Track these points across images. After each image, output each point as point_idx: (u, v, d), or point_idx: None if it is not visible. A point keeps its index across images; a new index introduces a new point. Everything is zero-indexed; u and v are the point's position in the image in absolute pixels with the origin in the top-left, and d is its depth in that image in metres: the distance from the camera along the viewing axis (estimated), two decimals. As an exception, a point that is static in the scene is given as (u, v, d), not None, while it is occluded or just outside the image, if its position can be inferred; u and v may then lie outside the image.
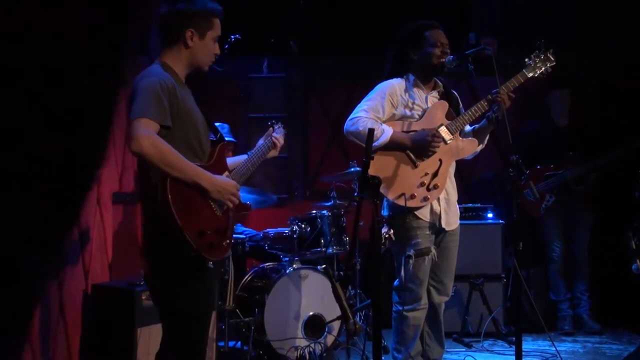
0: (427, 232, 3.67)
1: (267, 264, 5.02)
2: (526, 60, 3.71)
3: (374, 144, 3.49)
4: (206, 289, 2.81)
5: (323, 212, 4.95)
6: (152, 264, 2.75)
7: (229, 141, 5.40)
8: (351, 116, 3.67)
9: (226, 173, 2.95)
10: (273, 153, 3.43)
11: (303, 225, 4.91)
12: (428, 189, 3.60)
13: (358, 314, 4.97)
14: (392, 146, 3.60)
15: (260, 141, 3.44)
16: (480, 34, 5.94)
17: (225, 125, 5.39)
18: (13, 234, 3.23)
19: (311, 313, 4.66)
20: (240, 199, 2.86)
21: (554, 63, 3.71)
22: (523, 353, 3.42)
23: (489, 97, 3.56)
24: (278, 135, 3.48)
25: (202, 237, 2.62)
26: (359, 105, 3.70)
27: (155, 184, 2.60)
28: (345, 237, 4.98)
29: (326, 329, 4.66)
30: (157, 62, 2.82)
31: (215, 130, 3.05)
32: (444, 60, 3.64)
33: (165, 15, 2.81)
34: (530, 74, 3.68)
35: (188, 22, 2.77)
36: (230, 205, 2.77)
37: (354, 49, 6.18)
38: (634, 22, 5.54)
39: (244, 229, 5.54)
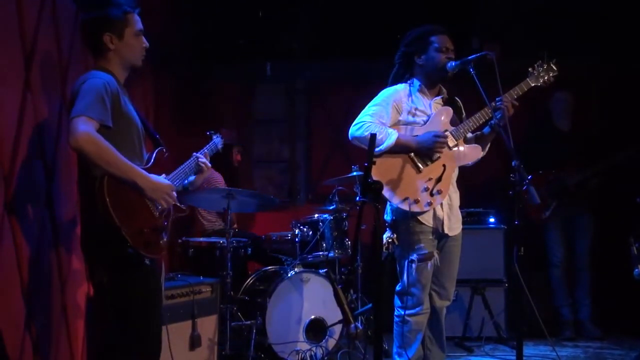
0: (430, 237, 3.67)
1: (269, 267, 5.04)
2: (529, 69, 3.74)
3: (380, 147, 3.51)
4: (145, 285, 2.86)
5: (325, 215, 4.96)
6: (91, 259, 2.84)
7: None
8: (356, 121, 3.68)
9: (163, 175, 2.97)
10: (203, 177, 3.27)
11: (305, 229, 4.93)
12: (431, 194, 3.61)
13: (359, 317, 4.98)
14: (398, 149, 3.61)
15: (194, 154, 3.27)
16: (483, 38, 5.95)
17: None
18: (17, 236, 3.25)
19: (313, 317, 4.67)
20: (175, 200, 2.91)
21: (557, 73, 3.74)
22: (524, 358, 3.43)
23: (493, 104, 3.57)
24: (209, 149, 3.39)
25: (139, 235, 2.69)
26: (364, 111, 3.71)
27: (93, 181, 2.64)
28: (347, 241, 4.99)
29: (327, 333, 4.67)
30: (94, 68, 2.87)
31: (153, 135, 3.10)
32: (447, 66, 3.65)
33: (82, 25, 2.92)
34: (534, 83, 3.72)
35: (102, 28, 2.84)
36: (164, 204, 2.83)
37: (357, 53, 6.20)
38: (636, 25, 5.55)
39: (247, 232, 5.56)
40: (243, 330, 4.63)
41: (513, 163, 3.35)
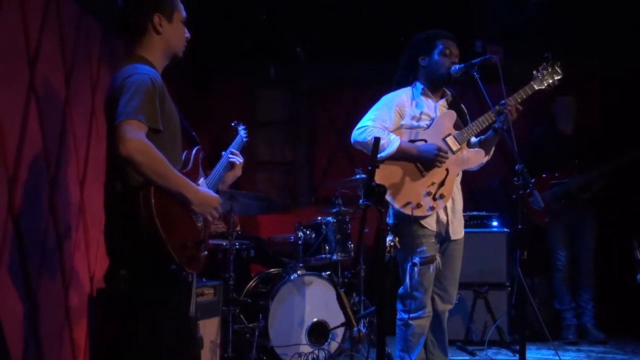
0: (433, 241, 3.67)
1: (272, 269, 5.03)
2: (534, 72, 3.73)
3: (381, 154, 3.50)
4: (182, 301, 2.67)
5: (328, 218, 4.96)
6: (122, 269, 2.52)
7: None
8: (358, 125, 3.68)
9: (202, 179, 2.82)
10: (234, 174, 3.11)
11: (308, 232, 4.93)
12: (434, 199, 3.61)
13: (362, 320, 4.97)
14: (399, 156, 3.60)
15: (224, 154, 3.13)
16: (486, 41, 5.95)
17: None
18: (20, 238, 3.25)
19: (315, 319, 4.66)
20: (220, 212, 2.71)
21: (562, 76, 3.73)
22: (526, 362, 3.42)
23: (497, 108, 3.56)
24: (237, 145, 3.24)
25: (183, 250, 2.48)
26: (366, 115, 3.71)
27: (133, 189, 2.42)
28: (350, 244, 4.98)
29: (330, 336, 4.66)
30: (135, 61, 2.61)
31: (189, 132, 2.91)
32: (450, 69, 3.65)
33: (127, 5, 2.69)
34: (538, 87, 3.71)
35: (153, 7, 2.64)
36: (210, 219, 2.65)
37: (360, 55, 6.20)
38: (638, 29, 5.55)
39: (250, 234, 5.56)
40: (245, 333, 4.62)
41: (516, 167, 3.35)
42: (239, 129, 3.41)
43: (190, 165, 2.75)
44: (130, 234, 2.45)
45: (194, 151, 2.80)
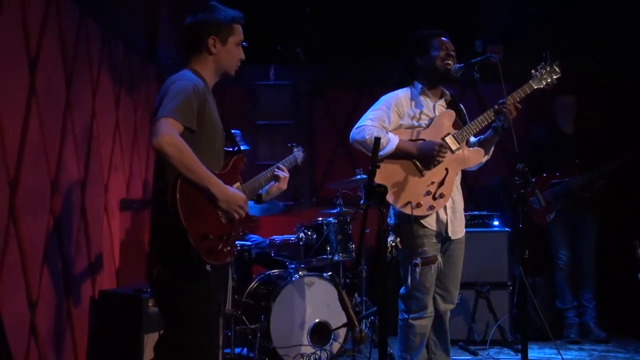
0: (434, 241, 3.67)
1: (273, 270, 5.02)
2: (532, 71, 3.73)
3: (380, 153, 3.49)
4: (207, 291, 2.82)
5: (329, 219, 4.96)
6: (157, 259, 2.79)
7: (244, 151, 5.41)
8: (357, 125, 3.68)
9: (237, 184, 2.97)
10: (279, 187, 3.27)
11: (309, 233, 4.92)
12: (434, 198, 3.60)
13: (364, 321, 4.97)
14: (398, 155, 3.60)
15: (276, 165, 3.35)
16: (486, 41, 5.95)
17: (238, 132, 5.41)
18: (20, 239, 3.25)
19: (317, 320, 4.66)
20: (248, 212, 2.88)
21: (560, 75, 3.73)
22: (529, 361, 3.41)
23: (496, 107, 3.56)
24: (287, 162, 3.44)
25: (203, 240, 2.67)
26: (364, 115, 3.72)
27: (167, 183, 2.65)
28: (352, 245, 4.98)
29: (332, 336, 4.66)
30: (186, 69, 2.88)
31: (233, 140, 3.13)
32: (449, 65, 3.65)
33: (188, 26, 2.92)
34: (537, 85, 3.71)
35: (209, 30, 2.87)
36: (236, 216, 2.80)
37: (360, 56, 6.20)
38: (638, 29, 5.55)
39: (251, 235, 5.55)
40: (247, 334, 4.62)
41: (517, 166, 3.35)
42: (295, 150, 3.64)
43: (227, 169, 2.94)
44: (162, 225, 2.72)
45: (233, 158, 3.00)
